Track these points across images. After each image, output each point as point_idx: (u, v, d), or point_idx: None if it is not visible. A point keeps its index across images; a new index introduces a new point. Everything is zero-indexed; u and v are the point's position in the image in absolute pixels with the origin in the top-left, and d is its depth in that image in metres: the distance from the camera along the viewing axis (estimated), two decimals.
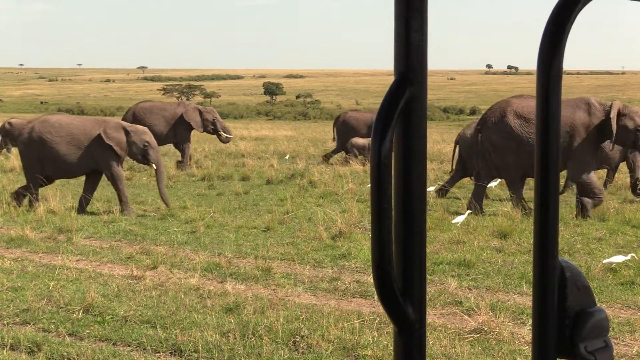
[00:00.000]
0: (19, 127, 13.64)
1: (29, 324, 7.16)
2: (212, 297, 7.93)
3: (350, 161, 21.72)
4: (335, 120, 24.70)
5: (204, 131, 22.15)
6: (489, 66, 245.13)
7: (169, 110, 21.70)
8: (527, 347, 6.29)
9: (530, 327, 1.13)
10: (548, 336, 1.10)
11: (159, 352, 6.43)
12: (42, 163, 13.72)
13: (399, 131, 1.01)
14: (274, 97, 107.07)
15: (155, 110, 21.46)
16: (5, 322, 7.19)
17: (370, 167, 0.99)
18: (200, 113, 21.75)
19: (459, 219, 11.94)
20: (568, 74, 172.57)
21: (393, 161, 1.01)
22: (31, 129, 13.86)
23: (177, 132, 21.30)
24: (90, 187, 13.92)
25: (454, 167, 16.09)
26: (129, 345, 6.59)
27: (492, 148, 13.44)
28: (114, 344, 6.62)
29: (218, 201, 15.02)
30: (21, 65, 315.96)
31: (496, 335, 6.61)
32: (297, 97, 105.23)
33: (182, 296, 7.99)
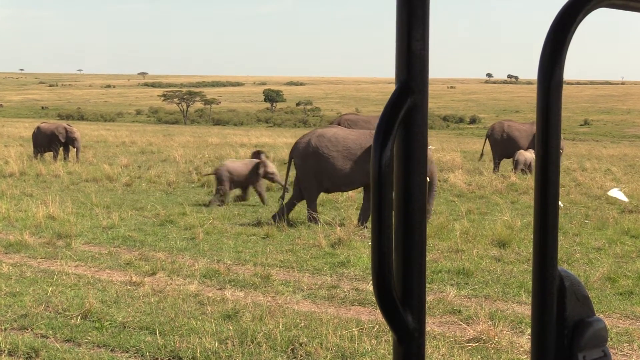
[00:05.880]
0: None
1: (27, 329, 7.15)
2: (211, 304, 7.92)
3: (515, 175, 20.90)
4: (491, 131, 23.84)
5: None
6: (489, 75, 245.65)
7: (372, 123, 21.65)
8: (525, 356, 6.29)
9: (529, 336, 1.13)
10: (547, 345, 1.10)
11: (157, 359, 6.42)
12: (320, 177, 13.59)
13: (399, 140, 1.01)
14: (274, 104, 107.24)
15: (360, 122, 21.45)
16: (3, 327, 7.17)
17: (371, 175, 1.00)
18: None
19: None
20: (568, 83, 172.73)
21: (394, 170, 1.01)
22: (307, 143, 13.70)
23: None
24: (368, 199, 13.75)
25: None
26: (127, 352, 6.58)
27: None
28: (112, 350, 6.61)
29: (217, 208, 15.01)
30: (21, 70, 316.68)
31: (495, 344, 6.61)
32: (298, 104, 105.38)
33: (181, 303, 7.98)
